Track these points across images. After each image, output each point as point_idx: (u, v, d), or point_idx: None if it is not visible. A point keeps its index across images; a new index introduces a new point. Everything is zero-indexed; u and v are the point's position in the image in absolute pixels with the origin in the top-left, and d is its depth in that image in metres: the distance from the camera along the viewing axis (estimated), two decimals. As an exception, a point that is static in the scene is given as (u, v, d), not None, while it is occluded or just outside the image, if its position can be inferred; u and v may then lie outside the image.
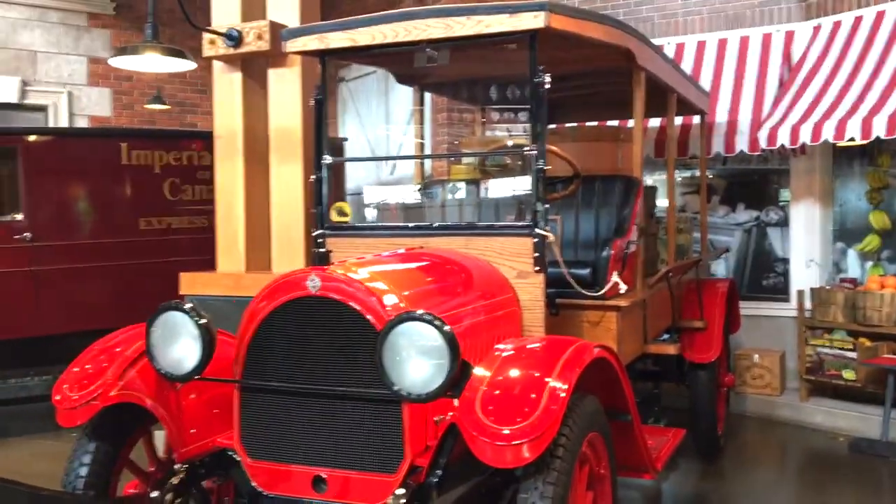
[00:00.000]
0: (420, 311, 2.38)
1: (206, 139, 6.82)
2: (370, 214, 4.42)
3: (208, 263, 6.49)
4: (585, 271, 3.62)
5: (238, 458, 2.73)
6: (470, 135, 6.38)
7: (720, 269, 6.99)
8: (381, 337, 2.37)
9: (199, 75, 9.05)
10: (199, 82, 9.12)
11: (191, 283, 5.91)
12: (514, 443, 2.19)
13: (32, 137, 6.07)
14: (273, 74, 5.37)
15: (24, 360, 6.06)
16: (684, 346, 4.73)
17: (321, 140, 3.63)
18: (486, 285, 3.13)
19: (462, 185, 4.55)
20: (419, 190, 4.94)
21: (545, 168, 3.15)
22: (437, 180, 5.09)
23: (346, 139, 7.70)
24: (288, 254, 5.68)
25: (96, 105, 8.45)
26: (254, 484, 2.67)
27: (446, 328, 2.33)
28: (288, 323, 2.66)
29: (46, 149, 6.11)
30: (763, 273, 6.92)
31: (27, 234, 6.01)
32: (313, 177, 3.66)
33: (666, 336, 4.64)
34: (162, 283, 6.55)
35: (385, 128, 8.56)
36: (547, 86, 3.12)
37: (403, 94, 7.86)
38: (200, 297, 5.88)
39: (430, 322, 2.34)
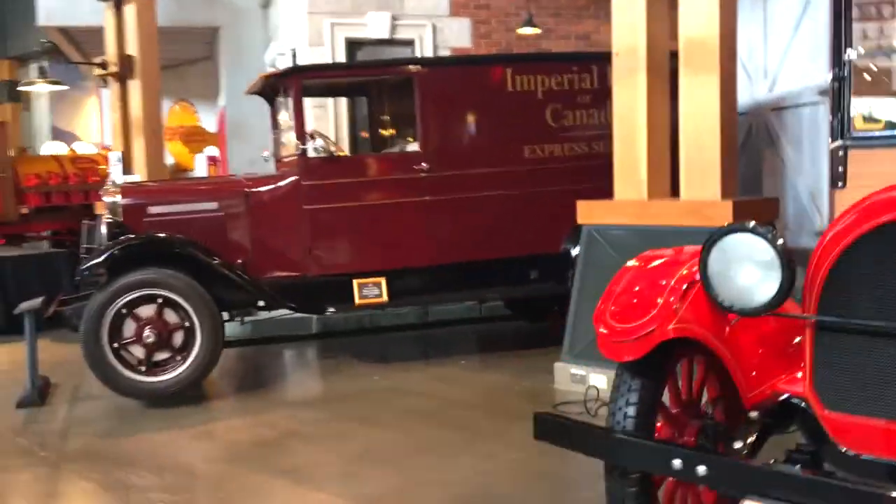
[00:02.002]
0: None
1: (584, 61, 6.50)
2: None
3: (590, 192, 6.20)
4: None
5: (806, 407, 2.31)
6: None
7: None
8: None
9: (553, -1, 8.78)
10: (552, 6, 8.81)
11: (589, 212, 5.64)
12: None
13: (427, 67, 6.08)
14: (689, -23, 4.83)
15: (414, 289, 6.20)
16: None
17: (842, 32, 3.04)
18: None
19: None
20: None
21: None
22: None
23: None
24: (700, 178, 5.18)
25: (457, 36, 8.47)
26: (834, 441, 2.24)
27: None
28: (883, 249, 2.15)
29: (440, 78, 6.10)
30: None
31: (424, 165, 6.07)
32: (829, 76, 3.09)
33: None
34: (547, 213, 6.40)
35: (762, 37, 7.67)
36: None
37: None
38: (599, 226, 5.61)
39: None
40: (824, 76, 7.59)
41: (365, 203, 6.01)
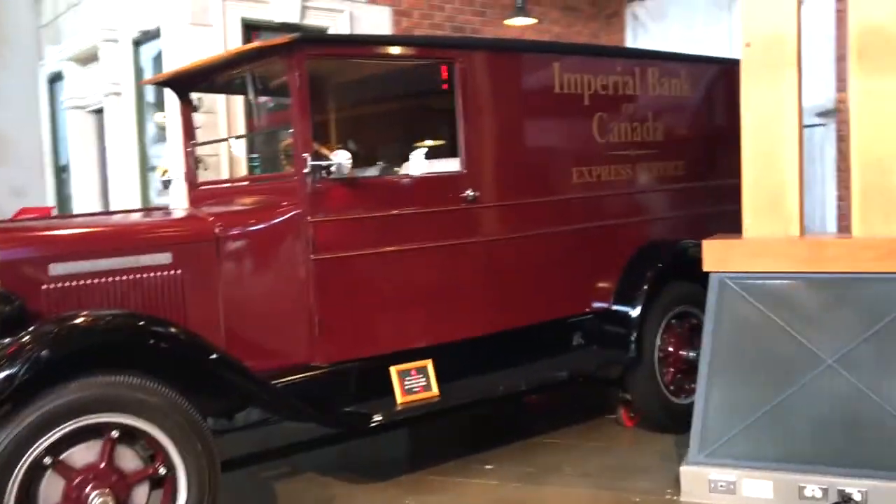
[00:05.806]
0: None
1: (631, 58, 5.14)
2: None
3: (653, 227, 4.88)
4: None
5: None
6: None
7: None
8: None
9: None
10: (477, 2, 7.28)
11: (721, 257, 4.15)
12: None
13: (471, 51, 4.20)
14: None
15: (467, 373, 4.29)
16: None
17: None
18: None
19: None
20: None
21: None
22: None
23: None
24: (881, 209, 4.00)
25: (375, 27, 6.56)
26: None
27: None
28: None
29: (483, 68, 4.26)
30: None
31: (470, 193, 4.21)
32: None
33: None
34: (596, 257, 4.88)
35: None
36: None
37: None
38: (737, 274, 4.17)
39: None
40: (825, 97, 6.96)
41: (397, 248, 4.00)
